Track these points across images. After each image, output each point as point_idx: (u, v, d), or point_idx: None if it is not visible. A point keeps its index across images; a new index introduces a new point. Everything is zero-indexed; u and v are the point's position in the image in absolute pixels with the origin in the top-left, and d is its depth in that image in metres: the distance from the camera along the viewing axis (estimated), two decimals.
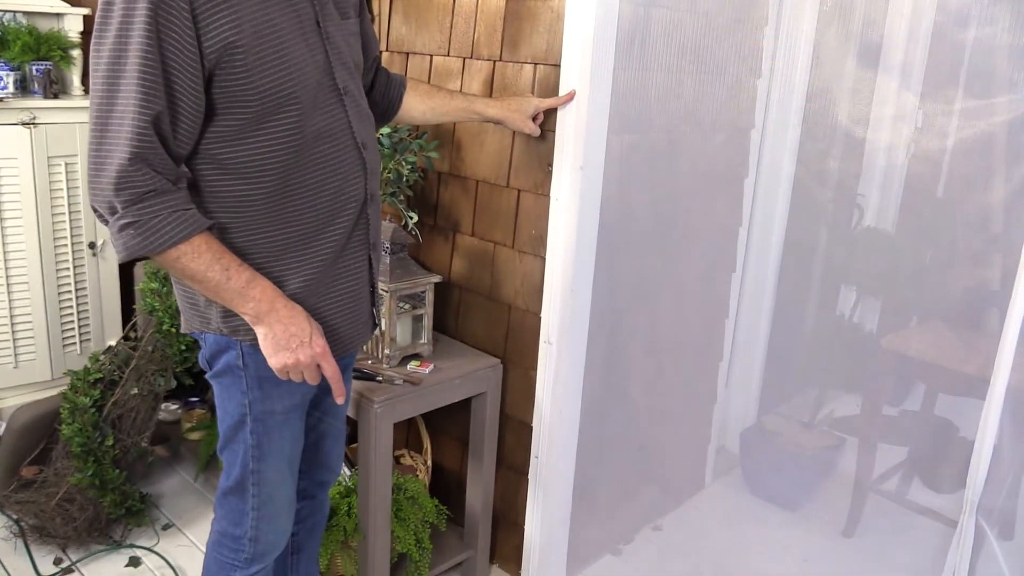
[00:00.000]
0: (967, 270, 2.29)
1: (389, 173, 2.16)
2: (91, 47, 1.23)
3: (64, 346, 2.86)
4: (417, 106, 1.82)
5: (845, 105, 2.19)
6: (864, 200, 2.58)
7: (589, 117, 1.95)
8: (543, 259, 2.07)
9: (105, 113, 1.21)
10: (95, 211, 1.26)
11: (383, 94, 1.78)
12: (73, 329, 2.87)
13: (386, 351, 2.10)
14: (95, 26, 1.22)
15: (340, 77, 1.42)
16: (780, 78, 2.40)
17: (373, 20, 1.64)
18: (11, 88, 2.71)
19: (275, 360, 1.35)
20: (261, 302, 1.33)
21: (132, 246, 1.23)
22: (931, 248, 2.43)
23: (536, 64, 2.03)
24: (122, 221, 1.22)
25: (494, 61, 2.12)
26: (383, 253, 2.10)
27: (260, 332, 1.35)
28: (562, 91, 1.95)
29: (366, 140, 1.48)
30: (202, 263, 1.28)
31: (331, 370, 1.39)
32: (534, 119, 1.93)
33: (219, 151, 1.32)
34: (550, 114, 2.00)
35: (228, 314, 1.40)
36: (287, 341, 1.34)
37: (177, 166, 1.28)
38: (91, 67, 1.23)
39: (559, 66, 1.96)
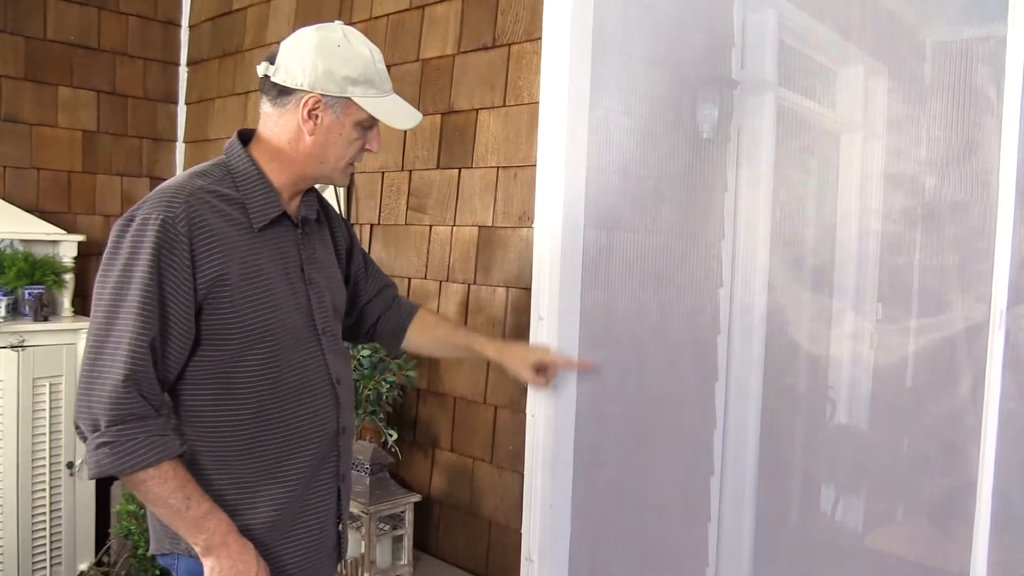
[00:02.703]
0: (941, 467, 2.32)
1: (369, 391, 2.22)
2: (98, 275, 1.34)
3: (34, 570, 2.77)
4: (420, 337, 1.79)
5: (806, 315, 2.31)
6: (835, 396, 2.65)
7: (560, 336, 2.04)
8: (521, 474, 2.09)
9: (103, 335, 1.30)
10: (77, 428, 1.31)
11: (393, 323, 1.78)
12: (44, 552, 2.79)
13: (365, 575, 2.07)
14: (105, 255, 1.33)
15: (319, 319, 1.51)
16: (740, 284, 2.53)
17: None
18: (3, 312, 2.80)
19: None
20: (215, 535, 1.34)
21: (104, 464, 1.28)
22: (905, 443, 2.48)
23: (508, 288, 2.15)
24: (100, 440, 1.27)
25: (468, 284, 2.24)
26: (363, 474, 2.12)
27: (207, 564, 1.36)
28: (534, 313, 2.05)
29: (340, 376, 1.54)
30: (166, 489, 1.31)
31: None
32: (541, 370, 1.71)
33: (199, 379, 1.39)
34: (523, 332, 2.09)
35: None
36: None
37: (162, 391, 1.34)
38: (95, 293, 1.33)
39: (529, 289, 2.08)
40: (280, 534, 1.45)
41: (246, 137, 1.49)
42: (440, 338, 1.79)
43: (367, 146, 1.50)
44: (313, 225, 1.57)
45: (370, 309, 1.78)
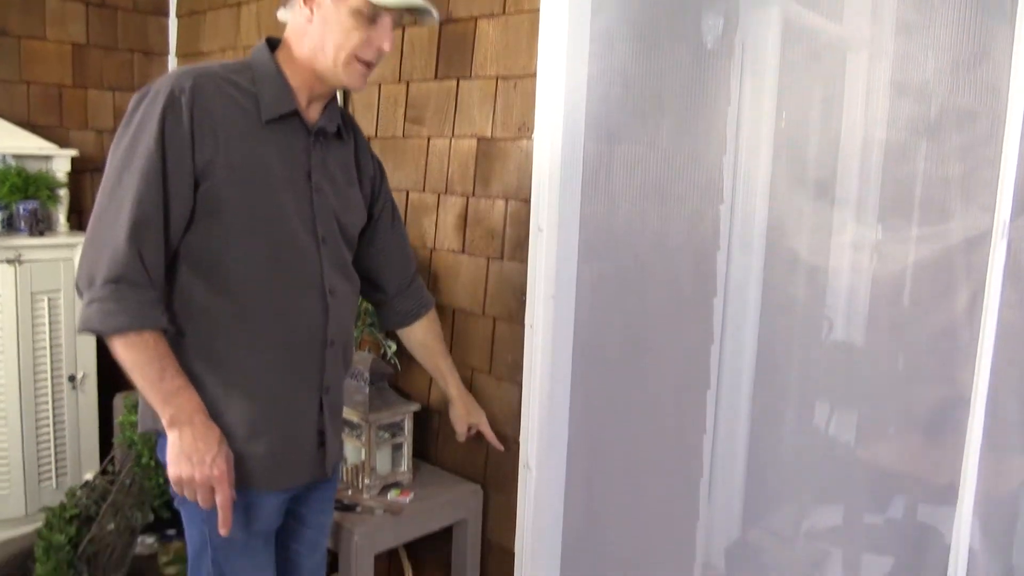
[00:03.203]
0: (936, 380, 2.34)
1: (367, 305, 2.22)
2: (112, 143, 1.39)
3: (40, 481, 2.82)
4: (418, 335, 1.87)
5: (807, 228, 2.29)
6: (832, 311, 2.66)
7: (559, 248, 2.04)
8: (520, 385, 2.11)
9: (108, 197, 1.35)
10: (76, 286, 1.36)
11: (411, 304, 1.83)
12: (50, 463, 2.84)
13: (366, 481, 2.11)
14: (125, 116, 1.39)
15: (321, 227, 1.50)
16: (741, 199, 2.51)
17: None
18: None
19: (173, 469, 1.38)
20: (182, 410, 1.37)
21: (92, 320, 1.32)
22: (901, 359, 2.49)
23: (507, 199, 2.13)
24: (92, 296, 1.32)
25: (467, 197, 2.22)
26: (363, 384, 2.13)
27: (170, 437, 1.38)
28: (533, 224, 2.04)
29: (335, 287, 1.54)
30: (143, 356, 1.34)
31: (223, 497, 1.38)
32: (471, 429, 1.96)
33: (192, 258, 1.41)
34: (522, 244, 2.08)
35: None
36: (190, 454, 1.36)
37: (163, 260, 1.37)
38: (108, 160, 1.38)
39: (529, 201, 2.06)
40: (252, 431, 1.46)
41: (274, 45, 1.52)
42: (430, 349, 1.89)
43: (377, 43, 1.46)
44: (332, 139, 1.56)
45: (387, 275, 1.77)
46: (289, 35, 1.49)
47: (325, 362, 1.54)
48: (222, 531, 1.40)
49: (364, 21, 1.44)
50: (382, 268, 1.76)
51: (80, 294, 1.35)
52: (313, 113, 1.52)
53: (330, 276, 1.52)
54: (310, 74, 1.48)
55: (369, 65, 1.48)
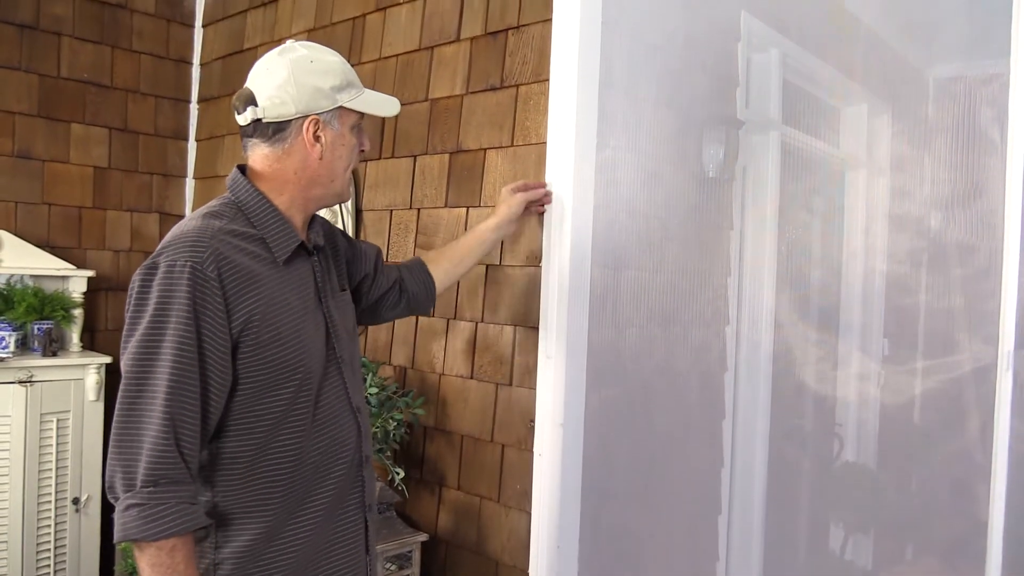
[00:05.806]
0: (952, 506, 2.31)
1: (376, 430, 2.22)
2: (125, 327, 1.29)
3: None
4: (439, 272, 1.88)
5: (812, 358, 2.31)
6: (843, 432, 2.64)
7: (567, 375, 2.04)
8: (528, 514, 2.08)
9: (138, 389, 1.25)
10: (111, 487, 1.25)
11: (415, 281, 1.85)
12: None
13: None
14: (131, 305, 1.29)
15: (339, 347, 1.51)
16: (747, 322, 2.54)
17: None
18: (12, 347, 2.81)
19: None
20: None
21: (131, 528, 1.22)
22: (914, 483, 2.46)
23: (516, 326, 2.15)
24: (131, 500, 1.22)
25: (476, 322, 2.25)
26: None
27: None
28: (541, 351, 2.06)
29: (360, 405, 1.55)
30: (167, 571, 1.24)
31: None
32: (531, 204, 1.99)
33: (230, 423, 1.35)
34: (531, 371, 2.10)
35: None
36: None
37: (201, 447, 1.29)
38: (124, 345, 1.28)
39: (537, 328, 2.08)
40: (306, 571, 1.43)
41: (242, 171, 1.49)
42: (455, 256, 1.91)
43: (362, 147, 1.54)
44: (325, 249, 1.59)
45: (394, 289, 1.81)
46: (272, 170, 1.45)
47: (364, 481, 1.53)
48: None
49: (358, 132, 1.52)
50: (391, 289, 1.81)
51: (115, 497, 1.25)
52: (303, 233, 1.53)
53: (354, 395, 1.52)
54: (306, 200, 1.49)
55: None
